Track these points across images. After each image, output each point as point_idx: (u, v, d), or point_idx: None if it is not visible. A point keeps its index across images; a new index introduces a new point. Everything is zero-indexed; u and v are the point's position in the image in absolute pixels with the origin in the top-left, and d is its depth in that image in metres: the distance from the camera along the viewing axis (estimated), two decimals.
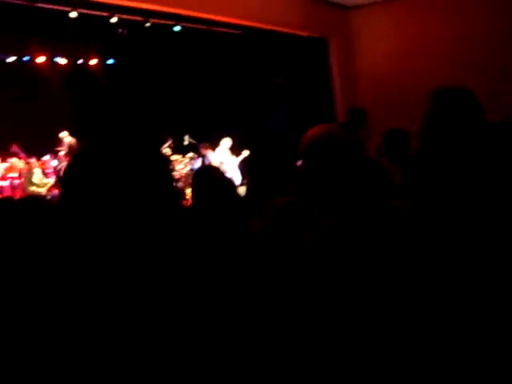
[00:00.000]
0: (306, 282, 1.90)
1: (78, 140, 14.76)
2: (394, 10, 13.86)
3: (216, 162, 13.64)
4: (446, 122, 2.85)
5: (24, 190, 14.11)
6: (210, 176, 3.33)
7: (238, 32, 13.25)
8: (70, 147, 14.40)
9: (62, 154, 14.65)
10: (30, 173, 14.11)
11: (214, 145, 14.07)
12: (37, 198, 3.59)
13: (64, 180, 1.36)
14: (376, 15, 14.27)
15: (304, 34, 13.39)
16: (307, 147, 2.11)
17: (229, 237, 2.69)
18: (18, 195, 13.76)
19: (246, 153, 13.70)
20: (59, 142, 14.79)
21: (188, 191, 12.67)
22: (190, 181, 12.28)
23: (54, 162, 14.85)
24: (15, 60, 15.35)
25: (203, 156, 15.48)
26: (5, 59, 15.21)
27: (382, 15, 14.15)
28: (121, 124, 15.78)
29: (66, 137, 14.73)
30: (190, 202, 3.43)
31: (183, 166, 16.01)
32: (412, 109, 11.87)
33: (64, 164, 14.69)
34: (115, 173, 1.30)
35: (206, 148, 14.54)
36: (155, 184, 1.35)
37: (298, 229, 2.53)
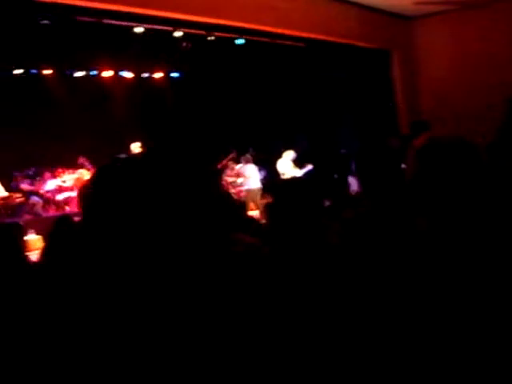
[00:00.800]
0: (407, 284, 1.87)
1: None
2: (456, 20, 13.58)
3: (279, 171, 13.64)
4: None
5: None
6: (291, 187, 3.29)
7: (301, 44, 13.22)
8: None
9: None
10: None
11: (276, 156, 14.04)
12: None
13: (87, 194, 1.33)
14: (438, 25, 14.01)
15: (367, 45, 13.27)
16: (427, 150, 2.07)
17: (305, 248, 2.65)
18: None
19: (309, 166, 13.64)
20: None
21: (251, 203, 12.77)
22: (253, 193, 12.28)
23: None
24: (83, 75, 15.76)
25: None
26: (73, 74, 15.63)
27: (444, 25, 13.89)
28: (167, 136, 15.99)
29: (135, 149, 15.02)
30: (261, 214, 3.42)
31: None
32: (476, 120, 11.65)
33: None
34: (144, 186, 1.26)
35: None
36: (192, 199, 1.30)
37: (373, 238, 2.50)
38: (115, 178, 1.27)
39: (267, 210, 3.18)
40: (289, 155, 13.58)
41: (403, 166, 9.20)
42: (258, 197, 13.10)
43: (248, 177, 13.89)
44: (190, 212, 1.28)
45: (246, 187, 13.92)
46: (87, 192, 1.30)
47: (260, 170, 16.32)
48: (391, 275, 1.92)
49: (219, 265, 1.32)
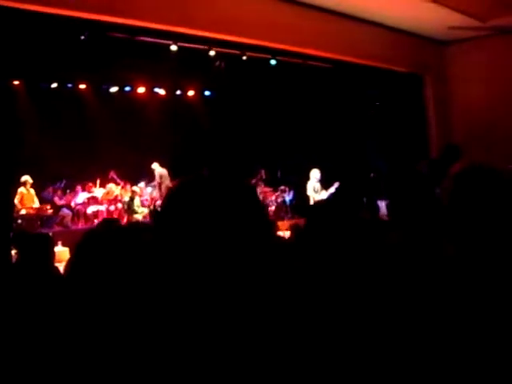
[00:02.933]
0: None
1: (169, 170, 15.27)
2: (490, 46, 13.44)
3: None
4: None
5: (122, 215, 14.53)
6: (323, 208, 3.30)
7: (332, 66, 13.26)
8: (161, 177, 14.90)
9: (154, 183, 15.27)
10: (132, 200, 14.62)
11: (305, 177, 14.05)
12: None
13: (160, 213, 1.40)
14: (472, 51, 13.87)
15: (399, 69, 13.26)
16: (462, 176, 2.09)
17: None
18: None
19: (336, 185, 13.63)
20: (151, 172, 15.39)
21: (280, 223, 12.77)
22: (281, 212, 12.37)
23: (149, 189, 15.30)
24: (117, 90, 15.99)
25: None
26: (108, 89, 15.87)
27: (478, 51, 13.73)
28: (216, 158, 16.13)
29: (157, 168, 15.29)
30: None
31: (274, 197, 16.10)
32: (508, 146, 11.46)
33: (156, 192, 15.19)
34: (210, 207, 1.33)
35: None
36: (249, 219, 1.36)
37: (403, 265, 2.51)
38: (191, 195, 1.36)
39: (295, 231, 3.20)
40: (314, 175, 13.58)
41: (437, 190, 9.12)
42: None
43: None
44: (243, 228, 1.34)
45: None
46: (166, 205, 1.39)
47: (288, 191, 16.35)
48: (418, 300, 1.92)
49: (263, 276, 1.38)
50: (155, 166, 15.33)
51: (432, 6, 10.86)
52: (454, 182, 2.08)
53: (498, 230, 1.92)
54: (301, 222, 8.04)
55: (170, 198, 1.41)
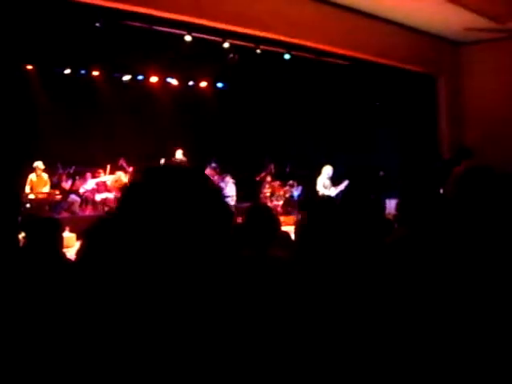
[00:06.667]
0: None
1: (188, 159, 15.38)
2: (506, 48, 13.37)
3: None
4: None
5: None
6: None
7: (346, 63, 13.22)
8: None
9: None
10: None
11: (315, 173, 14.01)
12: None
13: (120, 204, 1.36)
14: (487, 53, 13.79)
15: (412, 68, 13.20)
16: (467, 177, 2.11)
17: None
18: None
19: (345, 182, 13.61)
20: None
21: (283, 218, 12.76)
22: (288, 207, 12.38)
23: None
24: (130, 79, 16.00)
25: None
26: (121, 78, 15.88)
27: (493, 53, 13.65)
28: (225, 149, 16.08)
29: (179, 154, 15.41)
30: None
31: (283, 192, 16.09)
32: None
33: None
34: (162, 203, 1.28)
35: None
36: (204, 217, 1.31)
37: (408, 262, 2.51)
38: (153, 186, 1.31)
39: (298, 227, 3.18)
40: (326, 171, 13.57)
41: (441, 190, 9.13)
42: None
43: None
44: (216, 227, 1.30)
45: None
46: (128, 191, 1.34)
47: (297, 186, 16.32)
48: (426, 298, 1.92)
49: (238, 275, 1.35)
50: (178, 153, 15.54)
51: (450, 6, 10.80)
52: (455, 183, 2.10)
53: (499, 225, 1.94)
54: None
55: (129, 186, 1.37)
